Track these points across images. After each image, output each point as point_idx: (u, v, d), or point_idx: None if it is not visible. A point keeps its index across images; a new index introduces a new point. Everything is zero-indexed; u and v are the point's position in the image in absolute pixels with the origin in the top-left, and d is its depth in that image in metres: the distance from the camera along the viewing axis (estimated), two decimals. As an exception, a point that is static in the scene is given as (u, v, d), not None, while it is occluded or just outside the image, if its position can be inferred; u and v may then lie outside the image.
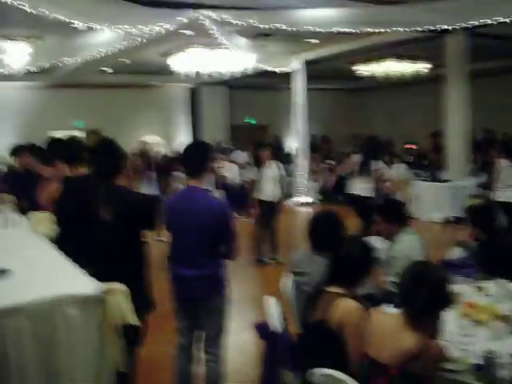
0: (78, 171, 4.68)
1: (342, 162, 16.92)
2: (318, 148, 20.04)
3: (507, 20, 8.88)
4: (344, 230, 4.18)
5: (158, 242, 9.70)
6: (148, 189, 10.65)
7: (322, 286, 3.49)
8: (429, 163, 15.48)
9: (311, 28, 9.80)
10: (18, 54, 11.14)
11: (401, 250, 4.60)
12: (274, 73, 14.93)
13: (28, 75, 13.47)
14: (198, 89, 21.31)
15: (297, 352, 3.52)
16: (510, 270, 4.16)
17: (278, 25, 9.71)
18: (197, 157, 4.09)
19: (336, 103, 23.61)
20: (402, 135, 20.42)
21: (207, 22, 9.70)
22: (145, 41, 10.01)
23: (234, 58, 13.36)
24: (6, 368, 2.36)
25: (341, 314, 3.23)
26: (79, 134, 16.96)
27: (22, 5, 7.47)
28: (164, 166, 10.14)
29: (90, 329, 2.52)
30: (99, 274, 2.85)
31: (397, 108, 22.01)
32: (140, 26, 8.79)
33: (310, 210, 15.23)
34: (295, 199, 15.90)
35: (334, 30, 9.86)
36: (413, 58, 15.65)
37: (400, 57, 15.36)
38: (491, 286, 4.14)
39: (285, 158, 17.85)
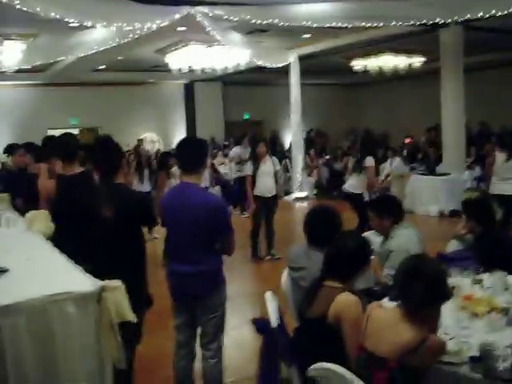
0: (72, 169, 4.68)
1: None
2: (314, 143, 20.06)
3: (500, 13, 8.91)
4: (341, 224, 4.19)
5: (152, 239, 9.79)
6: (140, 186, 10.64)
7: (319, 281, 3.51)
8: (423, 157, 15.51)
9: (306, 23, 9.80)
10: (12, 52, 11.12)
11: (398, 244, 4.60)
12: (269, 68, 14.92)
13: (23, 74, 13.45)
14: (192, 85, 21.31)
15: (294, 347, 3.53)
16: (506, 263, 4.17)
17: (273, 20, 9.71)
18: (192, 153, 4.07)
19: (333, 98, 23.65)
20: (399, 129, 20.48)
21: (202, 19, 9.69)
22: (137, 37, 9.98)
23: (229, 54, 13.36)
24: (4, 366, 2.36)
25: (339, 307, 3.24)
26: (75, 132, 16.99)
27: (15, 3, 7.46)
28: (158, 162, 10.11)
29: (87, 326, 2.51)
30: (98, 271, 2.86)
31: (393, 102, 22.05)
32: (135, 23, 8.78)
33: (305, 204, 15.27)
34: (291, 194, 15.92)
35: (329, 24, 9.85)
36: (408, 52, 15.67)
37: (396, 51, 15.38)
38: (488, 278, 4.15)
39: (281, 153, 17.90)
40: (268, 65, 14.37)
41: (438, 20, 9.71)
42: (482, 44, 14.34)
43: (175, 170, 8.49)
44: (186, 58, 14.04)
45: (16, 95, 18.42)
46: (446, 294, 2.98)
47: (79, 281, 2.68)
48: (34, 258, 3.18)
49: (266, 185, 8.86)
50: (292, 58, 15.49)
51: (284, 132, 22.58)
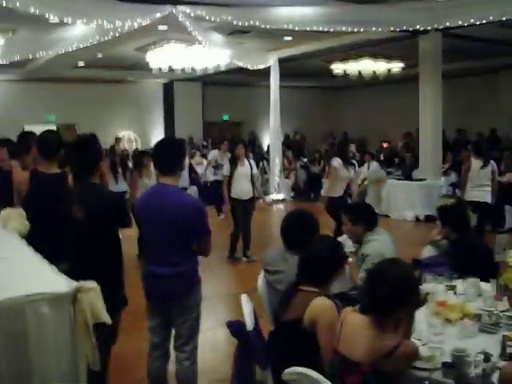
0: (50, 168, 4.62)
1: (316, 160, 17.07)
2: (292, 145, 20.14)
3: (478, 22, 9.03)
4: (317, 228, 4.20)
5: (128, 239, 9.71)
6: (115, 186, 10.55)
7: (295, 285, 3.52)
8: (400, 161, 15.65)
9: (287, 26, 9.83)
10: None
11: (373, 248, 4.63)
12: (249, 70, 14.93)
13: (0, 68, 13.29)
14: (172, 85, 21.24)
15: (269, 350, 3.53)
16: (480, 269, 4.23)
17: (254, 22, 9.72)
18: (170, 154, 4.04)
19: (312, 101, 23.72)
20: (376, 133, 20.64)
21: (183, 18, 9.67)
22: (117, 35, 9.93)
23: (209, 54, 13.34)
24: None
25: (314, 312, 3.26)
26: (52, 128, 16.84)
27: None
28: (134, 161, 10.03)
29: (61, 327, 2.49)
30: (72, 272, 2.83)
31: (372, 106, 22.19)
32: (116, 21, 8.73)
33: (282, 207, 15.31)
34: (268, 196, 15.94)
35: (310, 28, 9.89)
36: (387, 57, 15.79)
37: (375, 56, 15.49)
38: (461, 284, 4.20)
39: (259, 155, 17.93)
40: (248, 66, 14.37)
41: (418, 27, 9.79)
42: (459, 51, 14.51)
43: (152, 169, 8.44)
44: (167, 57, 13.98)
45: (-7, 90, 18.26)
46: (412, 298, 2.94)
47: (54, 281, 2.66)
48: (8, 258, 3.15)
49: (243, 188, 8.86)
50: (272, 60, 15.50)
51: (263, 134, 22.62)
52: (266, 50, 15.28)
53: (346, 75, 16.70)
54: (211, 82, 20.88)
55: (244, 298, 3.80)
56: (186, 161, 12.88)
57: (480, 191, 9.08)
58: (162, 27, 11.26)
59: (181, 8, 9.53)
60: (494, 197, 9.17)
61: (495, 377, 2.83)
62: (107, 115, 19.89)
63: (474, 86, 18.66)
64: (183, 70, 14.55)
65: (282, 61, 15.64)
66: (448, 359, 2.96)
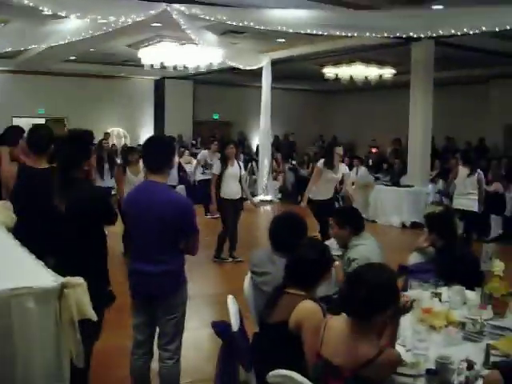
0: (40, 163, 4.59)
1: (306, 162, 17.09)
2: (284, 146, 20.16)
3: (472, 32, 9.08)
4: (306, 231, 4.20)
5: (113, 235, 9.68)
6: (101, 181, 10.51)
7: (281, 288, 3.52)
8: (388, 167, 15.71)
9: (281, 28, 9.83)
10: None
11: (359, 252, 4.64)
12: (241, 70, 14.93)
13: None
14: (163, 82, 21.20)
15: (254, 352, 3.53)
16: (466, 277, 4.25)
17: (248, 23, 9.72)
18: (159, 152, 4.02)
19: (303, 104, 23.75)
20: (366, 138, 20.71)
21: (177, 16, 9.65)
22: (111, 31, 9.89)
23: (202, 53, 13.34)
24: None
25: (300, 315, 3.25)
26: (41, 121, 16.78)
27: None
28: (122, 157, 10.00)
29: (47, 322, 2.48)
30: (58, 267, 2.81)
31: (362, 111, 22.26)
32: (110, 17, 8.69)
33: (269, 208, 15.33)
34: (255, 198, 15.94)
35: (304, 31, 9.90)
36: (379, 63, 15.86)
37: (367, 61, 15.54)
38: (446, 292, 4.22)
39: (248, 156, 17.94)
40: (240, 66, 14.37)
41: (411, 34, 9.83)
42: (451, 60, 14.59)
43: (140, 165, 8.43)
44: (159, 54, 13.97)
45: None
46: (391, 303, 2.91)
47: (41, 276, 2.64)
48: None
49: (232, 188, 8.85)
50: (265, 62, 15.50)
51: (252, 135, 22.62)
52: (259, 51, 15.28)
53: (337, 79, 16.74)
54: (203, 81, 20.86)
55: (230, 298, 3.79)
56: (176, 159, 12.88)
57: (465, 199, 9.16)
58: (155, 24, 11.23)
59: (175, 6, 9.51)
60: (481, 205, 9.24)
61: (478, 385, 2.85)
62: (97, 110, 19.81)
63: (465, 95, 18.77)
64: (175, 67, 14.55)
65: (274, 62, 15.65)
66: (432, 366, 2.97)
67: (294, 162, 18.11)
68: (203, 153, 13.87)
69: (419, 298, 3.90)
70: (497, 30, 8.92)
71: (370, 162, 17.16)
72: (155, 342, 4.09)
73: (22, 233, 3.69)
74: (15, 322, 2.39)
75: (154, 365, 4.14)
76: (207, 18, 9.68)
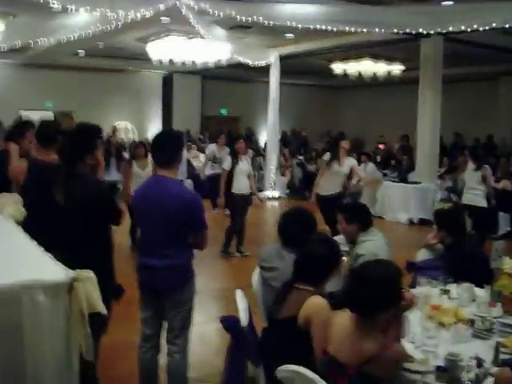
0: (48, 155, 4.59)
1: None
2: (289, 143, 20.11)
3: (482, 28, 9.04)
4: (315, 226, 4.20)
5: (120, 229, 9.69)
6: (106, 175, 10.52)
7: (290, 283, 3.51)
8: (396, 164, 15.66)
9: (290, 23, 9.82)
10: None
11: (367, 248, 4.63)
12: (249, 65, 14.91)
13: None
14: (171, 76, 21.18)
15: (262, 347, 3.53)
16: (476, 274, 4.23)
17: (257, 17, 9.71)
18: (168, 147, 4.02)
19: (311, 99, 23.68)
20: (374, 134, 20.63)
21: (186, 11, 9.66)
22: (120, 25, 9.89)
23: (210, 48, 13.33)
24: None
25: (309, 310, 3.25)
26: (49, 114, 16.81)
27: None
28: (130, 152, 10.04)
29: (57, 316, 2.48)
30: (63, 261, 2.81)
31: (370, 107, 22.20)
32: (119, 11, 8.70)
33: (276, 204, 15.32)
34: (262, 193, 15.93)
35: (313, 26, 9.88)
36: (388, 59, 15.80)
37: (375, 57, 15.49)
38: (455, 289, 4.21)
39: (256, 151, 17.91)
40: (249, 62, 14.36)
41: (421, 30, 9.79)
42: (460, 56, 14.52)
43: (149, 160, 8.45)
44: (167, 49, 13.96)
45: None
46: (395, 300, 2.90)
47: (51, 269, 2.64)
48: (4, 244, 3.13)
49: (243, 183, 8.87)
50: (273, 57, 15.49)
51: (260, 130, 22.59)
52: (267, 46, 15.26)
53: (345, 75, 16.70)
54: (211, 76, 20.83)
55: (239, 293, 3.79)
56: (184, 153, 12.90)
57: (471, 194, 9.14)
58: (164, 19, 11.24)
59: (184, 0, 9.51)
60: (487, 201, 9.20)
61: (487, 383, 2.84)
62: (105, 104, 19.82)
63: (474, 92, 18.70)
64: (183, 62, 14.54)
65: (282, 58, 15.63)
66: (441, 363, 2.97)
67: (301, 158, 18.07)
68: (211, 147, 13.85)
69: (428, 295, 3.91)
70: (507, 26, 8.88)
71: (378, 158, 17.11)
72: (163, 335, 4.10)
73: (32, 226, 3.69)
74: (25, 315, 2.39)
75: (162, 359, 4.15)
76: (216, 12, 9.68)
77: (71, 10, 8.88)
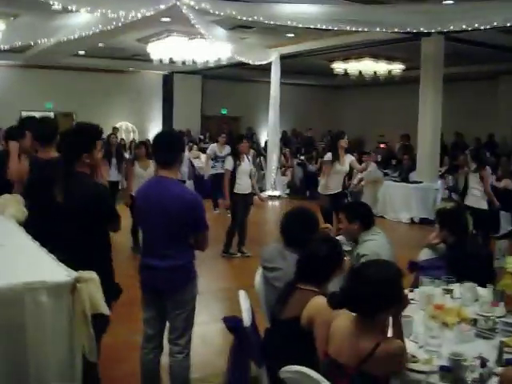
0: (48, 153, 4.59)
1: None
2: (290, 142, 20.09)
3: (483, 27, 9.03)
4: (317, 226, 4.19)
5: (121, 229, 9.70)
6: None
7: (293, 283, 3.50)
8: (397, 163, 15.64)
9: (290, 23, 9.81)
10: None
11: (369, 248, 4.61)
12: (250, 65, 14.90)
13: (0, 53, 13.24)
14: (172, 76, 21.18)
15: (265, 347, 3.52)
16: (479, 274, 4.22)
17: (258, 17, 9.70)
18: (169, 147, 4.00)
19: (312, 99, 23.69)
20: (374, 134, 20.63)
21: (187, 11, 9.65)
22: (120, 24, 9.88)
23: (211, 48, 13.32)
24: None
25: (312, 311, 3.24)
26: (50, 115, 16.78)
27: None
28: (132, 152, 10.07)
29: (60, 316, 2.48)
30: (64, 261, 2.80)
31: (371, 107, 22.18)
32: (120, 11, 8.69)
33: (276, 204, 15.32)
34: (263, 193, 15.91)
35: (313, 26, 9.88)
36: (389, 58, 15.79)
37: (376, 56, 15.48)
38: (458, 288, 4.20)
39: (256, 151, 17.90)
40: (250, 62, 14.35)
41: (421, 29, 9.78)
42: (461, 55, 14.51)
43: (151, 160, 8.46)
44: (168, 49, 13.96)
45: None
46: (394, 300, 2.88)
47: (53, 270, 2.64)
48: (7, 245, 3.12)
49: (246, 183, 8.88)
50: (273, 57, 15.48)
51: (260, 130, 22.59)
52: (268, 46, 15.25)
53: (346, 74, 16.69)
54: (211, 76, 20.83)
55: (242, 293, 3.79)
56: (186, 154, 12.90)
57: (472, 196, 9.13)
58: (165, 19, 11.23)
59: (185, 0, 9.50)
60: (487, 202, 9.19)
61: (491, 382, 2.83)
62: (106, 105, 19.82)
63: (474, 91, 18.69)
64: (184, 62, 14.53)
65: (283, 57, 15.62)
66: (444, 363, 2.96)
67: (302, 158, 18.07)
68: (212, 146, 13.85)
69: (431, 295, 3.90)
70: (508, 25, 8.86)
71: (379, 157, 17.08)
72: (165, 336, 4.10)
73: (33, 226, 3.69)
74: (28, 315, 2.39)
75: (164, 359, 4.14)
76: (217, 12, 9.67)
77: (72, 9, 8.86)
